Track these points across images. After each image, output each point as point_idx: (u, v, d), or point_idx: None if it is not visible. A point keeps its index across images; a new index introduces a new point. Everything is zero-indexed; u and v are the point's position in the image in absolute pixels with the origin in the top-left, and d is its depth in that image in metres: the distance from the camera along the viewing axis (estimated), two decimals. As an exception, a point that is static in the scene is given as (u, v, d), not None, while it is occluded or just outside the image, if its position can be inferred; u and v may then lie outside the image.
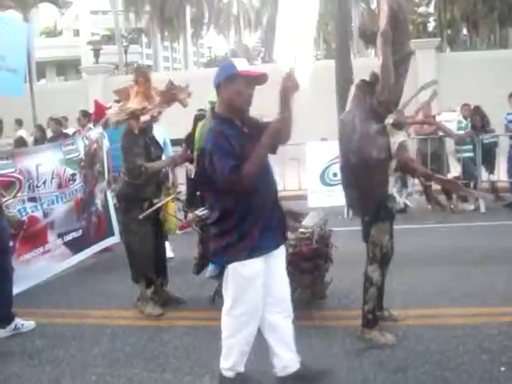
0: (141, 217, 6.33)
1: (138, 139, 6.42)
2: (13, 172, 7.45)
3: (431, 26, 46.45)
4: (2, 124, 13.13)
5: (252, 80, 4.07)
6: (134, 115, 6.37)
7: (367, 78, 5.32)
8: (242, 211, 4.06)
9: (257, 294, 4.20)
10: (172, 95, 6.42)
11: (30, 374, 5.10)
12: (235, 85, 3.99)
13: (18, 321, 6.10)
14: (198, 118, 9.51)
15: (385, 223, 5.31)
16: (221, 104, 4.13)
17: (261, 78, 4.08)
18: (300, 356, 4.47)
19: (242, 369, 4.39)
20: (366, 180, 5.24)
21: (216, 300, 6.25)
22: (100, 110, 10.27)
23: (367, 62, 24.56)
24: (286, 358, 4.41)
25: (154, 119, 6.58)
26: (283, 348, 4.41)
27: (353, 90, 5.42)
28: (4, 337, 5.99)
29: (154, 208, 6.40)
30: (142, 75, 6.47)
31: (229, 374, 4.36)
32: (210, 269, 5.08)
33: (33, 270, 7.61)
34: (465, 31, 55.76)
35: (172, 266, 7.14)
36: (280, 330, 4.39)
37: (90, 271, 8.56)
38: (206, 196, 4.41)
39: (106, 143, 9.39)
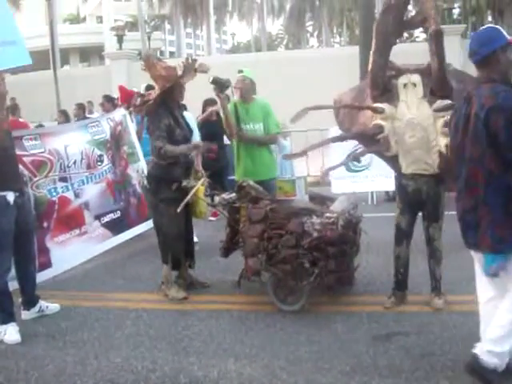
0: (179, 210, 6.32)
1: (160, 122, 6.42)
2: (42, 152, 7.52)
3: (456, 12, 45.96)
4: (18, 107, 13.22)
5: None
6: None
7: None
8: None
9: None
10: (171, 77, 6.46)
11: (54, 356, 5.11)
12: (507, 54, 3.96)
13: (42, 303, 6.13)
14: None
15: (398, 198, 5.87)
16: (492, 73, 3.97)
17: None
18: (326, 341, 4.42)
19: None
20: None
21: (241, 284, 6.28)
22: (125, 95, 10.30)
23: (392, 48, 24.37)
24: None
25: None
26: None
27: None
28: (29, 319, 6.01)
29: (190, 195, 6.40)
30: (145, 63, 6.54)
31: (492, 361, 4.01)
32: (496, 264, 3.96)
33: (70, 252, 7.70)
34: (490, 18, 55.07)
35: (196, 250, 7.12)
36: None
37: (115, 254, 8.54)
38: (483, 167, 3.90)
39: (130, 125, 9.40)
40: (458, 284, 6.18)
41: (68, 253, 7.66)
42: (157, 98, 6.41)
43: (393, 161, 5.85)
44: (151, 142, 6.53)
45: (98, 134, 8.66)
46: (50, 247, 7.42)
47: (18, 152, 6.79)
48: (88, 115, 14.43)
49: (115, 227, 8.61)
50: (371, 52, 5.54)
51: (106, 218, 8.50)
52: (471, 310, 5.53)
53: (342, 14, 57.98)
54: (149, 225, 9.14)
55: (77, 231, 7.95)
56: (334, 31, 66.05)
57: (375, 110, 5.60)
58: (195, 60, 6.60)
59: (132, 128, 9.46)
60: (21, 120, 12.75)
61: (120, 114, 9.42)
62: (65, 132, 8.51)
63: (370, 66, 5.60)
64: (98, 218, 8.36)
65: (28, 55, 5.75)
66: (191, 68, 6.49)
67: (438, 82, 5.34)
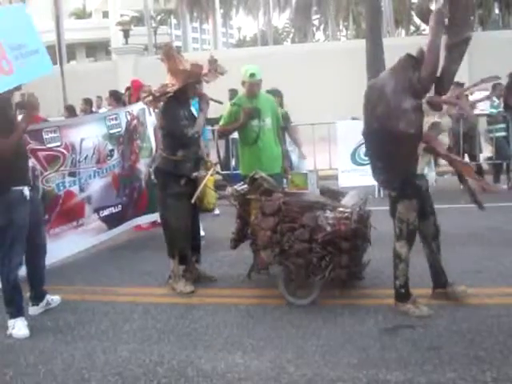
0: (193, 201, 6.38)
1: (179, 112, 6.45)
2: (58, 146, 7.53)
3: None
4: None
5: None
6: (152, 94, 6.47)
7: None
8: None
9: None
10: (194, 74, 6.42)
11: (62, 350, 5.13)
12: None
13: (48, 296, 6.16)
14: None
15: (412, 200, 5.41)
16: None
17: None
18: (333, 334, 4.43)
19: None
20: (388, 151, 5.28)
21: (251, 277, 6.31)
22: (139, 89, 10.31)
23: (398, 42, 24.36)
24: None
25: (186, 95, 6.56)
26: None
27: (397, 61, 5.33)
28: (37, 313, 6.04)
29: (202, 186, 6.41)
30: (164, 54, 6.51)
31: None
32: None
33: (62, 243, 7.67)
34: (497, 10, 54.80)
35: (203, 244, 7.13)
36: None
37: (122, 249, 8.60)
38: None
39: (148, 119, 9.39)
40: (463, 276, 6.17)
41: (60, 244, 7.61)
42: (177, 92, 6.39)
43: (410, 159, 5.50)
44: (170, 133, 6.50)
45: (114, 128, 8.66)
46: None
47: (36, 145, 6.93)
48: (97, 110, 14.44)
49: (112, 221, 8.61)
50: (436, 41, 5.13)
51: (106, 212, 8.50)
52: (479, 303, 5.59)
53: (349, 8, 57.74)
54: (146, 219, 9.23)
55: (74, 223, 7.96)
56: (341, 25, 65.82)
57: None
58: (216, 60, 6.59)
59: (149, 122, 9.43)
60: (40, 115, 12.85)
61: (138, 107, 9.38)
62: (84, 124, 8.52)
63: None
64: (97, 211, 8.35)
65: (50, 62, 5.73)
66: (215, 67, 6.50)
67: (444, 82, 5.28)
